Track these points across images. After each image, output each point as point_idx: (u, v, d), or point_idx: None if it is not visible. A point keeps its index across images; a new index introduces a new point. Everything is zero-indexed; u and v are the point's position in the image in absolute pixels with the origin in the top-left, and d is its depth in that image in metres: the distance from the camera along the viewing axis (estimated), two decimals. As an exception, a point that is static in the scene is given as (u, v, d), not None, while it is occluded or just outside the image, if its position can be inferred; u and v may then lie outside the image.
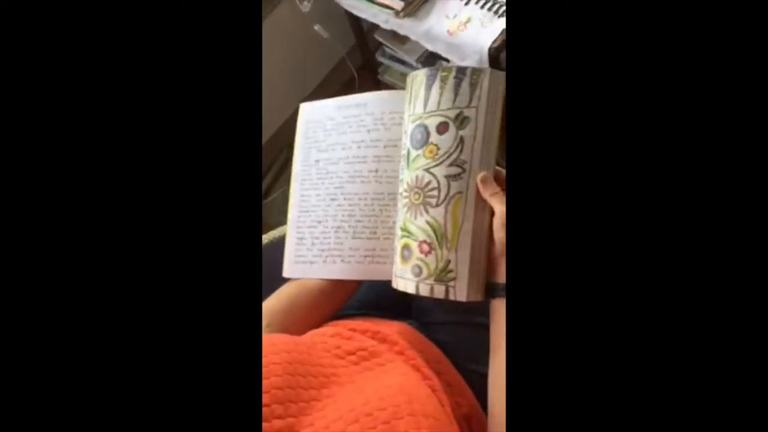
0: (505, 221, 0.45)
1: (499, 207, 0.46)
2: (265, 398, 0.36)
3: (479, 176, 0.47)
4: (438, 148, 0.48)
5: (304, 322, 0.55)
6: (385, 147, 0.57)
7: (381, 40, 1.46)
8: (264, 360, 0.39)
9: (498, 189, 0.47)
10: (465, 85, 0.47)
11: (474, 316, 0.59)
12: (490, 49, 1.11)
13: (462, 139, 0.47)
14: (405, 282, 0.51)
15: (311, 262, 0.59)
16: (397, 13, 1.22)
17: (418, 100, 0.50)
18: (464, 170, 0.48)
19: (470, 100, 0.47)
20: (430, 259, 0.48)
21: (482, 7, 1.17)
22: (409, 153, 0.51)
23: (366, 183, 0.57)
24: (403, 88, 0.54)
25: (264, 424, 0.34)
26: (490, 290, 0.48)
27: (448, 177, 0.48)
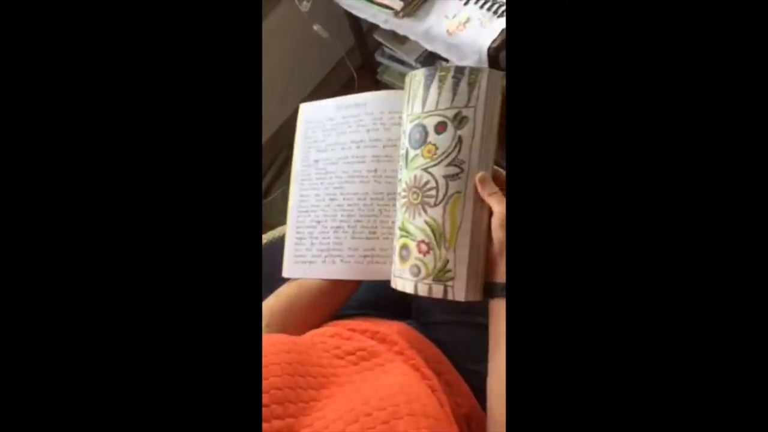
0: (503, 221, 0.45)
1: (498, 207, 0.46)
2: (265, 398, 0.36)
3: (477, 176, 0.47)
4: (436, 148, 0.48)
5: (304, 322, 0.55)
6: (384, 147, 0.57)
7: (380, 40, 1.46)
8: (263, 360, 0.39)
9: (496, 189, 0.47)
10: (463, 84, 0.48)
11: (473, 315, 0.59)
12: (489, 49, 1.11)
13: (460, 139, 0.48)
14: (404, 282, 0.51)
15: (311, 262, 0.59)
16: (396, 13, 1.22)
17: (416, 100, 0.50)
18: (462, 170, 0.48)
19: (468, 100, 0.47)
20: (429, 258, 0.48)
21: (481, 7, 1.17)
22: (407, 153, 0.51)
23: (365, 183, 0.57)
24: (402, 88, 0.54)
25: (263, 425, 0.34)
26: (489, 290, 0.48)
27: (446, 177, 0.48)
